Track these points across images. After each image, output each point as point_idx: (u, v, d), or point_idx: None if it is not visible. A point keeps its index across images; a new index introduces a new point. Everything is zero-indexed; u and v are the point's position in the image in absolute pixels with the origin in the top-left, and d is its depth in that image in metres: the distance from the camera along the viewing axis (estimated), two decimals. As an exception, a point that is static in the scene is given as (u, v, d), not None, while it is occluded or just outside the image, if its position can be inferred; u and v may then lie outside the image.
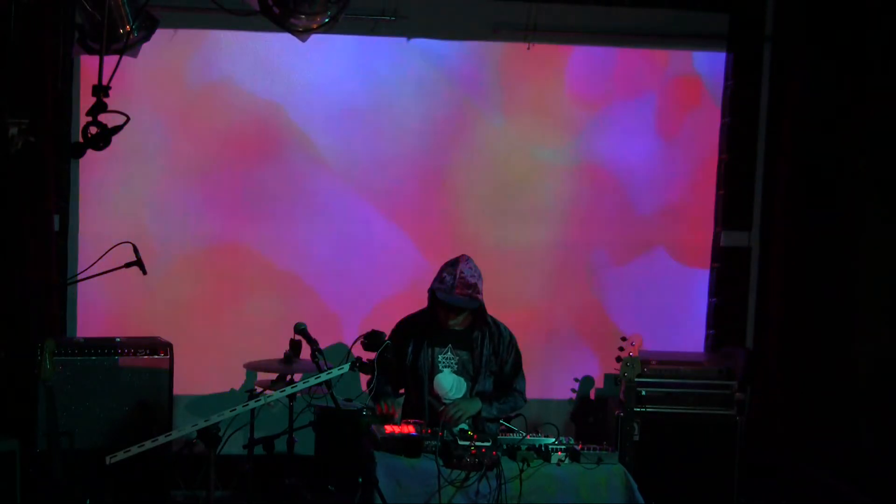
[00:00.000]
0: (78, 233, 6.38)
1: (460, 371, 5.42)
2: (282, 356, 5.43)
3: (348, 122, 6.63)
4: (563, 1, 6.68)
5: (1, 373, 5.83)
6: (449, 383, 5.40)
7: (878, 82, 6.38)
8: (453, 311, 5.33)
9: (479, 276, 5.35)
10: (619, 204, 6.87)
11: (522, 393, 5.51)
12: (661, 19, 6.75)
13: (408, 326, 5.48)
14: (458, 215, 6.75)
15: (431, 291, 5.36)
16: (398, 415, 5.26)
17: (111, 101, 3.98)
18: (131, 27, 4.36)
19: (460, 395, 5.39)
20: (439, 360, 5.41)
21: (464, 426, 5.22)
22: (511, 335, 5.54)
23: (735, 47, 6.82)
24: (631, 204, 6.88)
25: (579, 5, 6.69)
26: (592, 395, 6.76)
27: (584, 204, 6.84)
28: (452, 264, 5.35)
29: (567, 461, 4.85)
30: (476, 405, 5.30)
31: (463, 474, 4.71)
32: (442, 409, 5.25)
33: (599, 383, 6.76)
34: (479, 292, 5.31)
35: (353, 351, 4.76)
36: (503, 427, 5.31)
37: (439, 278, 5.35)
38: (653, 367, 6.20)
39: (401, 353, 5.37)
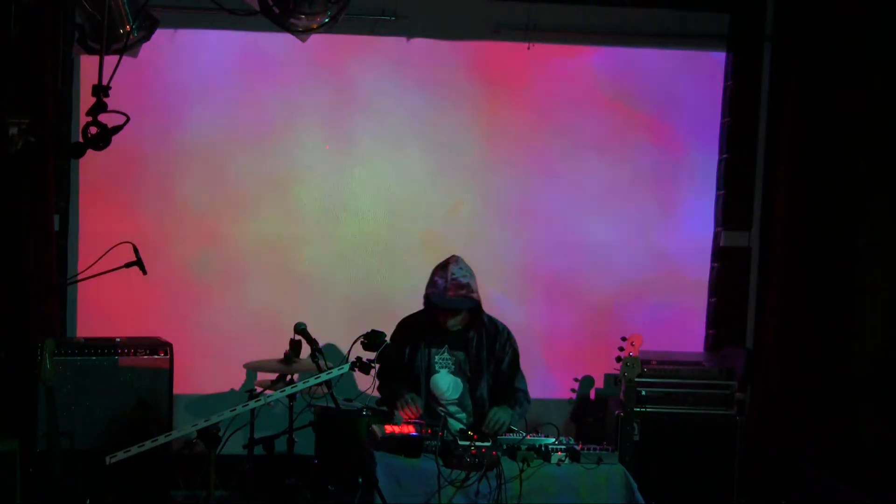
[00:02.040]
0: (78, 233, 6.38)
1: (457, 371, 5.41)
2: (282, 356, 5.44)
3: (349, 122, 6.63)
4: (563, 1, 6.68)
5: (1, 373, 5.83)
6: (445, 384, 5.40)
7: (878, 82, 6.38)
8: (450, 313, 5.33)
9: (472, 274, 5.35)
10: (619, 203, 6.87)
11: (526, 392, 5.50)
12: (661, 19, 6.75)
13: (406, 327, 5.49)
14: (459, 216, 6.75)
15: (426, 296, 5.36)
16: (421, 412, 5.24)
17: (111, 101, 3.98)
18: (131, 27, 4.36)
19: (457, 396, 5.39)
20: (436, 360, 5.41)
21: (459, 426, 5.22)
22: (508, 331, 5.53)
23: (735, 47, 6.82)
24: (631, 204, 6.88)
25: (579, 5, 6.70)
26: (592, 395, 6.75)
27: (583, 204, 6.84)
28: (443, 267, 5.36)
29: (567, 461, 4.85)
30: (508, 412, 5.25)
31: (463, 474, 4.70)
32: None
33: (599, 383, 6.76)
34: (473, 291, 5.31)
35: (353, 351, 4.76)
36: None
37: (432, 282, 5.36)
38: (653, 367, 6.19)
39: (399, 354, 5.37)
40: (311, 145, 6.63)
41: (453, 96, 6.70)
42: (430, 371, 5.41)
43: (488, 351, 5.43)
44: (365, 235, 6.69)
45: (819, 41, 6.47)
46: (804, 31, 6.53)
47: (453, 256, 5.41)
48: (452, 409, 5.38)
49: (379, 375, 5.32)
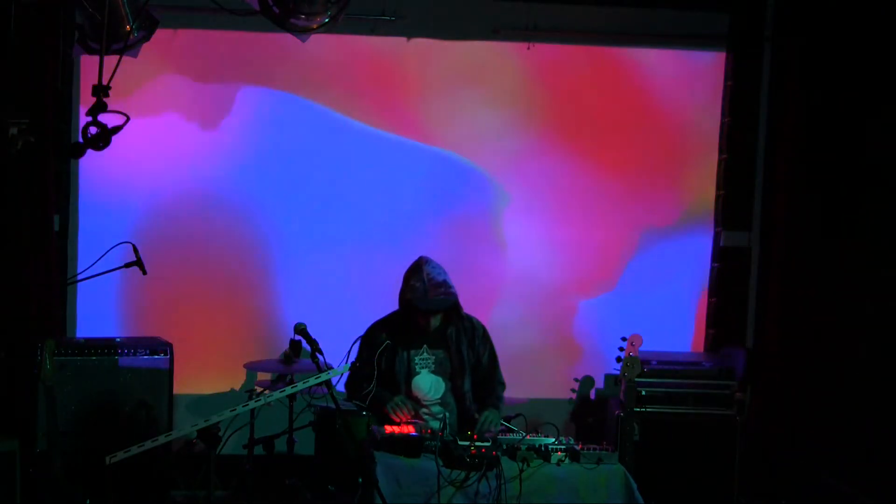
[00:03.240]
0: (78, 233, 6.38)
1: (438, 370, 5.36)
2: (282, 356, 5.44)
3: (348, 122, 6.63)
4: (563, 1, 6.68)
5: (1, 373, 5.83)
6: (427, 384, 5.34)
7: (878, 81, 6.37)
8: (431, 314, 5.28)
9: (444, 271, 5.31)
10: (619, 203, 6.87)
11: (503, 383, 5.49)
12: (661, 19, 6.75)
13: (380, 331, 5.39)
14: (458, 215, 6.75)
15: (407, 301, 5.27)
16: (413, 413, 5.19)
17: (111, 101, 3.99)
18: (131, 27, 4.36)
19: (439, 396, 5.32)
20: (416, 361, 5.35)
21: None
22: (483, 328, 5.48)
23: (735, 47, 6.81)
24: (631, 203, 6.88)
25: (579, 5, 6.70)
26: (592, 395, 6.76)
27: (584, 203, 6.85)
28: (416, 269, 5.29)
29: (567, 461, 4.85)
30: (497, 414, 5.24)
31: (463, 474, 4.70)
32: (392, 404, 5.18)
33: (599, 383, 6.76)
34: (451, 287, 5.27)
35: (353, 351, 4.76)
36: (503, 427, 5.30)
37: (408, 287, 5.26)
38: (653, 367, 6.20)
39: (374, 360, 5.30)
40: (310, 144, 6.63)
41: (453, 96, 6.71)
42: (411, 373, 5.34)
43: (468, 346, 5.40)
44: (365, 235, 6.69)
45: (819, 41, 6.47)
46: (804, 31, 6.53)
47: (422, 257, 5.36)
48: (435, 409, 5.31)
49: (350, 387, 5.31)
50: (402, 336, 5.34)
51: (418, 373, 5.34)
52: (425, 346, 5.35)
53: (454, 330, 5.38)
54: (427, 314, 5.27)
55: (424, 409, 5.29)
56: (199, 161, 6.54)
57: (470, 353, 5.40)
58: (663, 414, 6.13)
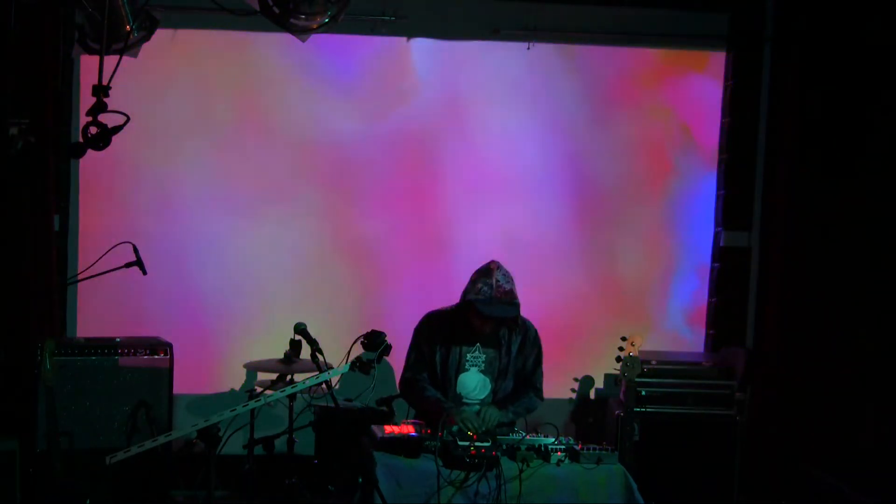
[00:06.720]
0: (78, 233, 6.38)
1: (486, 370, 5.31)
2: (282, 356, 5.44)
3: (347, 123, 6.63)
4: (563, 1, 6.68)
5: (1, 373, 5.83)
6: (473, 383, 5.30)
7: (878, 80, 6.37)
8: (491, 320, 5.21)
9: (512, 279, 5.22)
10: (619, 203, 6.88)
11: (539, 390, 5.38)
12: (661, 19, 6.75)
13: (436, 323, 5.36)
14: (458, 215, 6.75)
15: (470, 303, 5.18)
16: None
17: (111, 101, 3.98)
18: (131, 27, 4.35)
19: (483, 396, 5.29)
20: (467, 358, 5.32)
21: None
22: (535, 331, 5.41)
23: (735, 47, 6.82)
24: (631, 203, 6.88)
25: (579, 5, 6.70)
26: (592, 395, 6.76)
27: (583, 204, 6.85)
28: (486, 273, 5.20)
29: (567, 461, 4.85)
30: (498, 411, 5.16)
31: (462, 474, 4.70)
32: (462, 416, 5.06)
33: (599, 383, 6.76)
34: (516, 297, 5.17)
35: (353, 351, 4.76)
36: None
37: (474, 289, 5.17)
38: (653, 367, 6.20)
39: (430, 351, 5.30)
40: (309, 144, 6.63)
41: (453, 96, 6.71)
42: (460, 369, 5.31)
43: (519, 348, 5.36)
44: (365, 236, 6.69)
45: (819, 41, 6.47)
46: (804, 31, 6.53)
47: (494, 261, 5.26)
48: (475, 408, 5.30)
49: (411, 384, 5.29)
50: (456, 331, 5.32)
51: (467, 370, 5.31)
52: (478, 343, 5.31)
53: (507, 331, 5.33)
54: (486, 319, 5.22)
55: (465, 407, 5.24)
56: (198, 161, 6.54)
57: (518, 356, 5.36)
58: (663, 414, 6.13)
